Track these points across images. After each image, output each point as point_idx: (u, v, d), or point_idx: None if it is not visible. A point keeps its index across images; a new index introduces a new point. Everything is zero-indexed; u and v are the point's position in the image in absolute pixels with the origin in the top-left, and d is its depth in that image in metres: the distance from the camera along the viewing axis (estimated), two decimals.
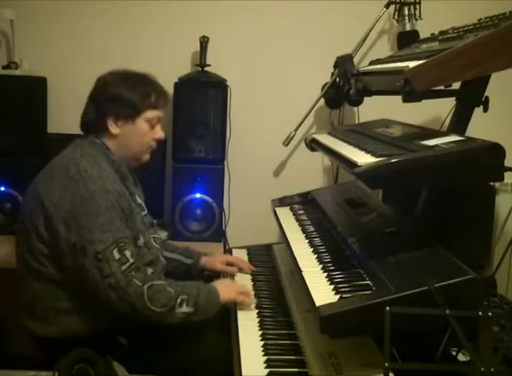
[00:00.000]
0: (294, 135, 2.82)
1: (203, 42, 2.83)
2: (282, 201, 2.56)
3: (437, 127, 2.44)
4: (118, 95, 1.84)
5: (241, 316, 1.84)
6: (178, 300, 1.74)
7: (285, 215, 2.38)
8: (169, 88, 2.28)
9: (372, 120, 2.46)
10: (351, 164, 1.62)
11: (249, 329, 1.75)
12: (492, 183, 1.81)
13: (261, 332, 1.73)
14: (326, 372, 1.48)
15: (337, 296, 1.47)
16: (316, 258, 1.80)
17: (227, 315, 1.90)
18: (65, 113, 2.83)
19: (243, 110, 2.96)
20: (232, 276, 2.19)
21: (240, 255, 2.39)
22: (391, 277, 1.45)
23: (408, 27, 2.84)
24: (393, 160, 1.48)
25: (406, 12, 2.83)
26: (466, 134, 1.80)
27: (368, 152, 1.66)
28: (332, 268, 1.68)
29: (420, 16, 2.82)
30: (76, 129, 1.95)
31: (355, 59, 2.74)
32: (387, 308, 1.25)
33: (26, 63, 2.88)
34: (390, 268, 1.52)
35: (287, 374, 1.52)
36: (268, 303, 1.94)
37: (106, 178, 1.77)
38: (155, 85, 1.91)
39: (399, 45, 2.84)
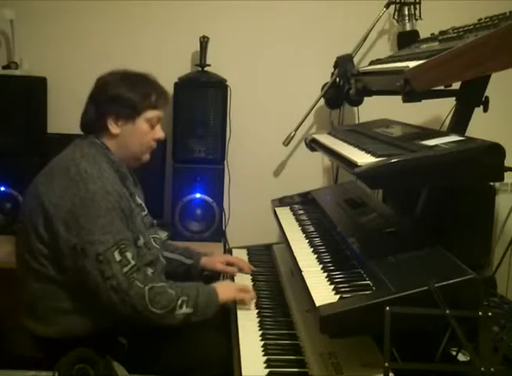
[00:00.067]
0: (294, 135, 2.82)
1: (203, 42, 2.83)
2: (282, 201, 2.56)
3: (437, 127, 2.44)
4: (118, 95, 1.84)
5: (241, 316, 1.84)
6: (179, 301, 1.75)
7: (285, 215, 2.38)
8: (169, 88, 2.28)
9: (372, 120, 2.46)
10: (351, 164, 1.62)
11: (249, 329, 1.75)
12: (492, 183, 1.81)
13: (261, 332, 1.73)
14: (326, 372, 1.48)
15: (337, 296, 1.47)
16: (316, 258, 1.80)
17: (227, 315, 1.91)
18: (65, 113, 2.83)
19: (243, 110, 2.96)
20: (231, 276, 2.19)
21: (240, 255, 2.39)
22: (391, 277, 1.45)
23: (408, 27, 2.84)
24: (393, 160, 1.48)
25: (406, 12, 2.83)
26: (466, 134, 1.80)
27: (368, 152, 1.66)
28: (332, 268, 1.68)
29: (420, 16, 2.82)
30: (76, 129, 1.95)
31: (355, 59, 2.74)
32: (387, 308, 1.25)
33: (26, 63, 2.88)
34: (390, 268, 1.52)
35: (287, 374, 1.52)
36: (268, 303, 1.94)
37: (106, 179, 1.77)
38: (155, 85, 1.91)
39: (399, 45, 2.84)
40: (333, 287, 1.53)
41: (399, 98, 1.66)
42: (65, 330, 1.78)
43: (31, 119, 2.82)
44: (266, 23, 3.00)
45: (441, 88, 1.75)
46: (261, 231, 2.79)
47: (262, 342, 1.66)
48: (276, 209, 2.46)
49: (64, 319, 1.78)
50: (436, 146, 1.56)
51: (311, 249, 1.89)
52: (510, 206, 1.92)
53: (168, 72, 2.64)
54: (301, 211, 2.39)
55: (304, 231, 2.11)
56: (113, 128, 1.85)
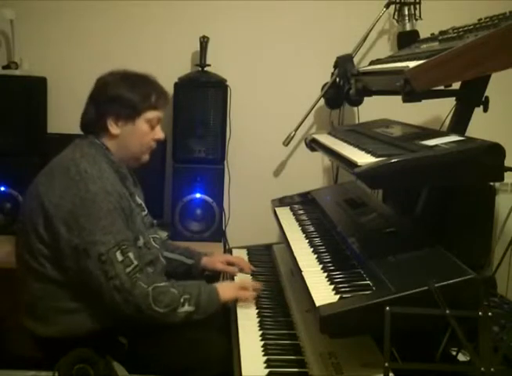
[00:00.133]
0: (294, 135, 2.82)
1: (203, 42, 2.83)
2: (282, 201, 2.56)
3: (437, 127, 2.44)
4: (118, 95, 1.84)
5: (241, 316, 1.84)
6: (181, 300, 1.76)
7: (285, 215, 2.38)
8: (169, 88, 2.29)
9: (372, 120, 2.46)
10: (351, 164, 1.62)
11: (249, 329, 1.75)
12: (492, 183, 1.81)
13: (261, 332, 1.73)
14: (326, 372, 1.48)
15: (337, 296, 1.47)
16: (316, 258, 1.80)
17: (227, 315, 1.91)
18: (65, 113, 2.83)
19: (243, 110, 2.96)
20: (232, 276, 2.19)
21: (240, 255, 2.39)
22: (391, 277, 1.45)
23: (408, 27, 2.84)
24: (393, 160, 1.48)
25: (406, 12, 2.83)
26: (466, 134, 1.80)
27: (368, 152, 1.66)
28: (332, 268, 1.68)
29: (420, 16, 2.82)
30: (76, 129, 1.95)
31: (355, 59, 2.74)
32: (387, 308, 1.25)
33: (26, 63, 2.88)
34: (390, 268, 1.52)
35: (287, 374, 1.52)
36: (268, 303, 1.94)
37: (106, 179, 1.77)
38: (155, 86, 1.91)
39: (399, 45, 2.84)
40: (333, 287, 1.53)
41: (399, 98, 1.66)
42: (65, 330, 1.78)
43: (31, 119, 2.82)
44: (266, 23, 3.01)
45: (441, 88, 1.75)
46: (261, 231, 2.79)
47: (262, 342, 1.66)
48: (276, 209, 2.46)
49: (64, 319, 1.78)
50: (436, 146, 1.56)
51: (311, 249, 1.89)
52: (510, 206, 1.92)
53: (168, 72, 2.64)
54: (301, 211, 2.39)
55: (304, 231, 2.11)
56: (113, 129, 1.85)
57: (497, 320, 1.51)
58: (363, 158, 1.60)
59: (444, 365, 1.36)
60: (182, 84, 2.79)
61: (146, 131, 1.89)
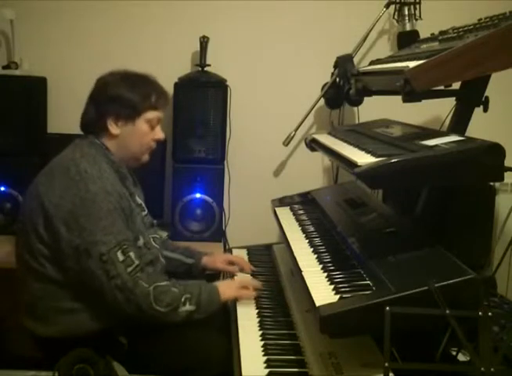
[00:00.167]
0: (294, 135, 2.82)
1: (203, 42, 2.83)
2: (282, 201, 2.56)
3: (437, 127, 2.44)
4: (118, 95, 1.84)
5: (241, 316, 1.84)
6: (182, 299, 1.76)
7: (285, 215, 2.38)
8: (169, 88, 2.29)
9: (372, 120, 2.46)
10: (351, 164, 1.62)
11: (249, 329, 1.74)
12: (492, 183, 1.81)
13: (261, 332, 1.72)
14: (326, 372, 1.48)
15: (337, 296, 1.47)
16: (316, 258, 1.80)
17: (227, 315, 1.91)
18: (65, 113, 2.83)
19: (243, 110, 2.96)
20: (232, 275, 2.19)
21: (240, 255, 2.39)
22: (391, 277, 1.45)
23: (408, 27, 2.84)
24: (393, 160, 1.48)
25: (406, 12, 2.83)
26: (466, 134, 1.80)
27: (368, 152, 1.66)
28: (332, 268, 1.68)
29: (420, 16, 2.82)
30: (76, 129, 1.95)
31: (355, 59, 2.74)
32: (387, 308, 1.25)
33: (26, 63, 2.88)
34: (390, 268, 1.52)
35: (287, 374, 1.52)
36: (268, 303, 1.94)
37: (106, 179, 1.77)
38: (155, 86, 1.91)
39: (399, 45, 2.84)
40: (333, 287, 1.53)
41: (399, 98, 1.66)
42: (65, 330, 1.78)
43: (31, 119, 2.82)
44: (266, 23, 3.01)
45: (441, 88, 1.75)
46: (261, 231, 2.79)
47: (262, 342, 1.66)
48: (276, 209, 2.46)
49: (64, 319, 1.78)
50: (436, 146, 1.56)
51: (311, 249, 1.89)
52: (510, 206, 1.92)
53: (168, 72, 2.64)
54: (301, 211, 2.39)
55: (304, 231, 2.11)
56: (113, 129, 1.85)
57: (497, 320, 1.51)
58: (363, 158, 1.60)
59: (444, 365, 1.36)
60: (182, 84, 2.79)
61: (145, 132, 1.89)
